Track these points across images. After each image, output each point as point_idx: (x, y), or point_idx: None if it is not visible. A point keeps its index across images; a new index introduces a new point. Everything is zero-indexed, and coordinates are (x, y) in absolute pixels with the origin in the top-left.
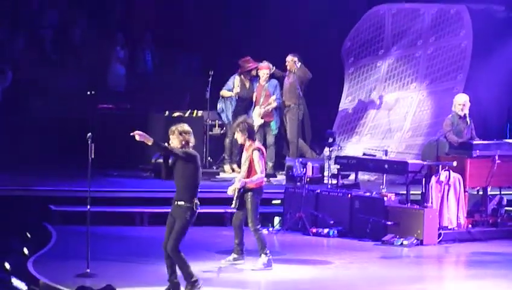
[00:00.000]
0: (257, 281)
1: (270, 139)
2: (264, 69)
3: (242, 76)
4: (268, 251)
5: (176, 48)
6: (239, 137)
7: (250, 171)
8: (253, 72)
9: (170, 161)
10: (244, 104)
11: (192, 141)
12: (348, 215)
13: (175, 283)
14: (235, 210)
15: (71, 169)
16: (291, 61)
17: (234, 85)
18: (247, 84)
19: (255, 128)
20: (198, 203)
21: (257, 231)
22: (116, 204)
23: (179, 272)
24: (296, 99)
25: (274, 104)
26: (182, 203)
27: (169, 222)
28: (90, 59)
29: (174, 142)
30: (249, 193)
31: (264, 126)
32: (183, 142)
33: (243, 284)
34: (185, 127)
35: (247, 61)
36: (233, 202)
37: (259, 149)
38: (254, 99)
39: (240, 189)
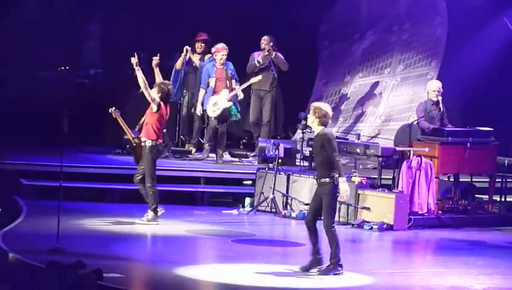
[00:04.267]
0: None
1: (224, 126)
2: (220, 51)
3: (191, 49)
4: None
5: None
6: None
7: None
8: (199, 48)
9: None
10: (187, 79)
11: (324, 120)
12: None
13: (318, 258)
14: None
15: (44, 144)
16: (268, 41)
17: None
18: (195, 59)
19: (220, 111)
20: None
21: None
22: (88, 180)
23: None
24: (271, 82)
25: (239, 92)
26: (325, 180)
27: (313, 199)
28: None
29: (311, 118)
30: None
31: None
32: (317, 121)
33: None
34: (322, 105)
35: (199, 35)
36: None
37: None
38: (214, 84)
39: None
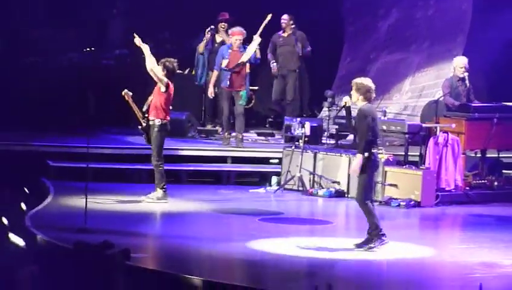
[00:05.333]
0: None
1: (240, 108)
2: (235, 35)
3: (215, 31)
4: None
5: None
6: (355, 95)
7: None
8: (222, 27)
9: None
10: (211, 59)
11: (369, 95)
12: (345, 175)
13: (372, 235)
14: None
15: (71, 126)
16: (289, 20)
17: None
18: (218, 39)
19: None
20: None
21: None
22: (115, 161)
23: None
24: (296, 61)
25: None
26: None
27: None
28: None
29: (355, 94)
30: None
31: (233, 96)
32: (360, 94)
33: None
34: (365, 81)
35: (221, 15)
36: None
37: None
38: (226, 64)
39: None
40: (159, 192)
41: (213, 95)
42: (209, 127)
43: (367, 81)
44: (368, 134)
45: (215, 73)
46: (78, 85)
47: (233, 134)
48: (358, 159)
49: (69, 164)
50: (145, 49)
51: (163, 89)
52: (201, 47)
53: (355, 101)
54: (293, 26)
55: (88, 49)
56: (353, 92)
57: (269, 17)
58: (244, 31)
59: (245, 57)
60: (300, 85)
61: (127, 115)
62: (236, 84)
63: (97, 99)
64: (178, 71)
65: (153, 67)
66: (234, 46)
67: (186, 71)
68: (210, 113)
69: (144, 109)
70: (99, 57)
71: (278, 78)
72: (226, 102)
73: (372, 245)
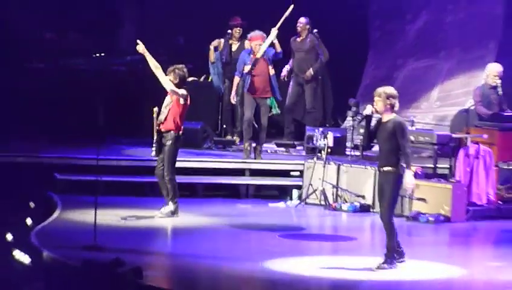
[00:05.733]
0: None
1: (264, 119)
2: (254, 40)
3: (228, 37)
4: None
5: None
6: (380, 105)
7: None
8: (237, 32)
9: None
10: (229, 69)
11: (397, 105)
12: (371, 189)
13: (398, 251)
14: None
15: (79, 136)
16: (305, 24)
17: (216, 47)
18: (234, 47)
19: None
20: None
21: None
22: (126, 173)
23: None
24: (316, 67)
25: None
26: (389, 169)
27: (379, 191)
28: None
29: (379, 104)
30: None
31: (258, 103)
32: (388, 106)
33: None
34: (392, 90)
35: (233, 19)
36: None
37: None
38: (248, 70)
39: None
40: (171, 206)
41: (234, 100)
42: (226, 137)
43: (394, 90)
44: (409, 147)
45: (237, 80)
46: (87, 93)
47: (254, 145)
48: (411, 176)
49: (77, 176)
50: (149, 56)
51: (182, 101)
52: (211, 57)
53: (380, 111)
54: (308, 29)
55: (98, 54)
56: (379, 101)
57: (291, 8)
58: (264, 35)
59: (259, 52)
60: (322, 93)
61: (139, 125)
62: (259, 90)
63: (107, 108)
64: (193, 78)
65: (168, 84)
66: (255, 51)
67: (202, 78)
68: (227, 122)
69: (160, 120)
70: (109, 63)
71: (293, 84)
72: (249, 108)
73: (385, 265)
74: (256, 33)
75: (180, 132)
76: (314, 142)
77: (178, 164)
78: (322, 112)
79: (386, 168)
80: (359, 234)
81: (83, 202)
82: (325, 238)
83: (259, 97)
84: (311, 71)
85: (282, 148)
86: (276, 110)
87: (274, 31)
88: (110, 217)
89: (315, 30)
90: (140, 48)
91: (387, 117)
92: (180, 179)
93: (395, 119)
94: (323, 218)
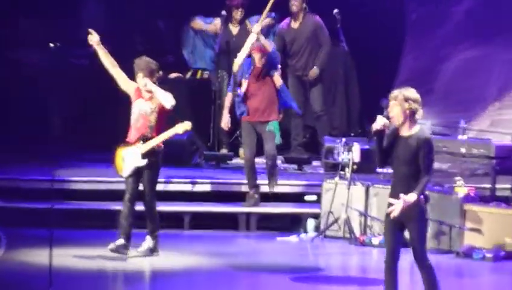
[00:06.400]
0: None
1: (270, 147)
2: (256, 52)
3: (228, 20)
4: None
5: None
6: (396, 111)
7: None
8: (238, 14)
9: None
10: (226, 60)
11: (419, 113)
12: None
13: None
14: None
15: (28, 151)
16: (301, 2)
17: (214, 24)
18: (234, 31)
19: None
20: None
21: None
22: (90, 199)
23: None
24: (322, 61)
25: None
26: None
27: (389, 227)
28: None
29: (395, 111)
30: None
31: (258, 130)
32: (407, 113)
33: None
34: (413, 92)
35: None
36: None
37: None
38: (245, 88)
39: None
40: (149, 242)
41: (228, 126)
42: (221, 151)
43: (416, 93)
44: (432, 169)
45: (229, 96)
46: (39, 94)
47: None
48: (409, 199)
49: (25, 204)
50: (105, 56)
51: (169, 105)
52: (197, 24)
53: (398, 120)
54: (305, 9)
55: (53, 44)
56: (395, 107)
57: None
58: (273, 44)
59: (234, 66)
60: (345, 93)
61: (107, 135)
62: (259, 112)
63: (65, 113)
64: (176, 74)
65: (119, 73)
66: (258, 60)
67: (189, 74)
68: (222, 131)
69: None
70: (68, 54)
71: (293, 84)
72: (247, 142)
73: None
74: (258, 45)
75: (161, 147)
76: (335, 156)
77: (158, 187)
78: (344, 116)
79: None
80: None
81: (34, 236)
82: (350, 281)
83: (259, 122)
84: (315, 70)
85: (293, 165)
86: (278, 140)
87: (253, 35)
88: (70, 257)
89: (335, 10)
90: (94, 39)
91: (408, 129)
92: (162, 205)
93: (420, 133)
94: (347, 256)
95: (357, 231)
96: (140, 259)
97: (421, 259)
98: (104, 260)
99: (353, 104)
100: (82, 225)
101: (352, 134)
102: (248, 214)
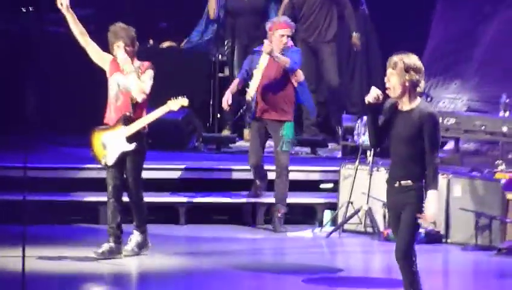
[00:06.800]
0: None
1: (284, 157)
2: (280, 28)
3: None
4: None
5: None
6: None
7: None
8: None
9: None
10: (230, 25)
11: (421, 85)
12: (443, 208)
13: None
14: None
15: None
16: None
17: None
18: None
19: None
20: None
21: None
22: (68, 189)
23: None
24: (334, 26)
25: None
26: (411, 183)
27: (393, 218)
28: None
29: (393, 81)
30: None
31: (272, 129)
32: (407, 85)
33: None
34: (416, 60)
35: None
36: None
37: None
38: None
39: None
40: (137, 236)
41: (229, 103)
42: (223, 132)
43: (418, 61)
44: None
45: (236, 82)
46: (10, 67)
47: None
48: (433, 201)
49: None
50: (74, 23)
51: (140, 97)
52: (212, 9)
53: (396, 92)
54: None
55: (25, 9)
56: (393, 76)
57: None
58: (293, 23)
59: (248, 95)
60: (366, 63)
61: (89, 115)
62: (272, 109)
63: (38, 89)
64: (169, 43)
65: (90, 44)
66: (277, 47)
67: (184, 43)
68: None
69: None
70: (43, 21)
71: (304, 53)
72: (254, 147)
73: None
74: (282, 20)
75: (146, 129)
76: (355, 137)
77: (149, 175)
78: (365, 90)
79: (405, 182)
80: (426, 277)
81: (3, 234)
82: (373, 283)
83: (270, 120)
84: (357, 35)
85: (306, 149)
86: (287, 146)
87: (265, 57)
88: (45, 260)
89: None
90: (63, 2)
91: (408, 103)
92: (154, 196)
93: (422, 106)
94: (369, 253)
95: (381, 224)
96: (128, 258)
97: (403, 252)
98: (84, 262)
99: (375, 76)
100: (60, 220)
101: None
102: (254, 206)
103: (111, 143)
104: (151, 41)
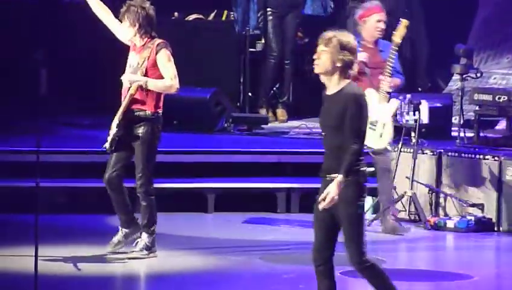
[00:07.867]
0: None
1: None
2: (373, 12)
3: None
4: None
5: None
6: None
7: None
8: None
9: None
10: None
11: (354, 68)
12: (494, 193)
13: None
14: None
15: (6, 114)
16: None
17: None
18: None
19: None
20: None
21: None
22: (85, 176)
23: None
24: None
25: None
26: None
27: (318, 218)
28: None
29: (324, 59)
30: None
31: None
32: (338, 66)
33: None
34: (351, 38)
35: None
36: None
37: None
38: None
39: None
40: (145, 238)
41: None
42: (260, 110)
43: (353, 39)
44: (362, 136)
45: None
46: (20, 40)
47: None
48: (337, 184)
49: (3, 182)
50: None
51: (173, 90)
52: None
53: (325, 72)
54: None
55: None
56: (324, 55)
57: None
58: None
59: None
60: (409, 37)
61: (109, 95)
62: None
63: (52, 67)
64: (196, 16)
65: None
66: (370, 36)
67: (212, 15)
68: (259, 87)
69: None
70: None
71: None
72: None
73: None
74: (373, 3)
75: (159, 111)
76: (398, 117)
77: (174, 159)
78: (408, 67)
79: (334, 175)
80: (478, 268)
81: (13, 224)
82: (420, 276)
83: None
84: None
85: None
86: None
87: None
88: (57, 257)
89: None
90: None
91: (336, 86)
92: (177, 182)
93: (348, 88)
94: (414, 243)
95: (427, 212)
96: (137, 262)
97: (356, 259)
98: (94, 261)
99: (419, 51)
100: (75, 209)
101: (419, 89)
102: (288, 191)
103: (111, 126)
104: (176, 14)
